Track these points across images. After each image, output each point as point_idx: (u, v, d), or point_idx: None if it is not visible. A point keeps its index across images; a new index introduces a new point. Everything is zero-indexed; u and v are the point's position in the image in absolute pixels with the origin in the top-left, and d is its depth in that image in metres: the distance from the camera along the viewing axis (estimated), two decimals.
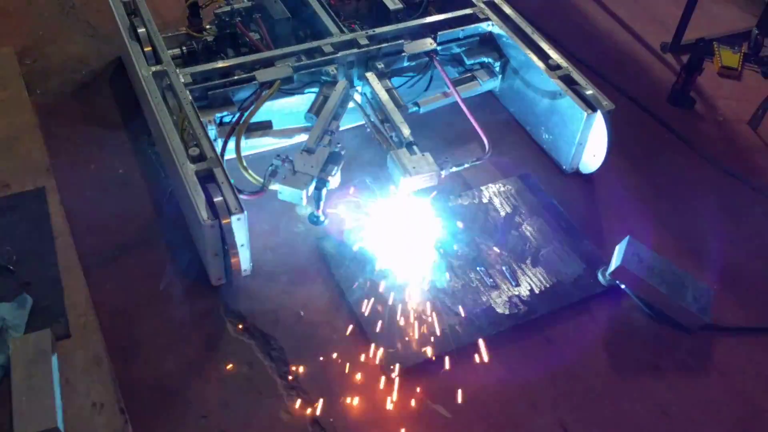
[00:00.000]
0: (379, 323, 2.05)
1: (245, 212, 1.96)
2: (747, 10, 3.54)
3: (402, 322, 2.06)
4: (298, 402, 1.91)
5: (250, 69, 2.41)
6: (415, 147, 2.24)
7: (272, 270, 2.19)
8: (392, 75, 2.55)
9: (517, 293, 2.18)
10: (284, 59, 2.46)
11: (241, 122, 2.29)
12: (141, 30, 2.48)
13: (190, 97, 2.26)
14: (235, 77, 2.38)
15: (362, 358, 2.01)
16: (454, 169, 2.33)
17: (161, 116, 2.21)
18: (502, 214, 2.41)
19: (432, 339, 2.03)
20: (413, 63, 2.59)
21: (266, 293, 2.13)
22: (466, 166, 2.39)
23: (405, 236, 2.24)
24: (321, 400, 1.91)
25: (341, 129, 2.40)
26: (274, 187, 2.14)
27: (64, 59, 2.87)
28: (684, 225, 2.48)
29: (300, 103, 2.46)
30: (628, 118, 2.84)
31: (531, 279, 2.22)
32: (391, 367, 1.97)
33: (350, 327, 2.07)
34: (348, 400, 1.92)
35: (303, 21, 2.73)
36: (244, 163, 2.19)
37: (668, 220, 2.49)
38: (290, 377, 1.95)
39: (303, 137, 2.34)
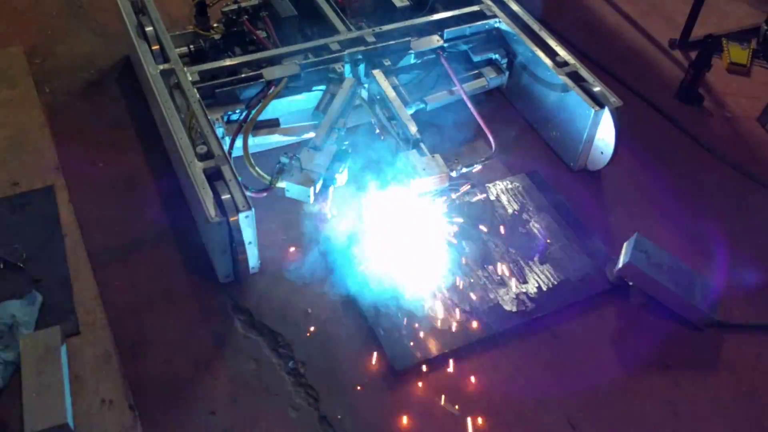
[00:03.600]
0: (387, 320, 2.05)
1: (253, 210, 1.97)
2: (756, 6, 3.51)
3: (409, 319, 2.06)
4: (306, 399, 1.91)
5: (258, 67, 2.41)
6: (424, 147, 2.24)
7: (280, 267, 2.20)
8: (399, 72, 2.55)
9: (524, 290, 2.17)
10: (291, 57, 2.46)
11: (248, 120, 2.29)
12: (149, 29, 2.49)
13: (198, 96, 2.26)
14: (243, 75, 2.38)
15: (370, 354, 2.01)
16: (464, 170, 2.33)
17: (169, 114, 2.22)
18: (510, 211, 2.41)
19: (440, 336, 2.03)
20: (420, 60, 2.59)
21: (274, 290, 2.14)
22: (476, 166, 2.39)
23: (412, 234, 2.24)
24: (328, 397, 1.91)
25: (348, 126, 2.40)
26: (282, 184, 2.14)
27: (73, 58, 2.89)
28: (692, 222, 2.47)
29: (307, 100, 2.47)
30: (636, 115, 2.83)
31: (538, 276, 2.22)
32: (399, 363, 1.97)
33: (357, 324, 2.07)
34: (356, 396, 1.92)
35: (310, 19, 2.74)
36: (252, 161, 2.20)
37: (676, 217, 2.48)
38: (298, 374, 1.96)
39: (310, 135, 2.34)
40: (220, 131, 2.27)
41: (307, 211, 2.31)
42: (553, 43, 2.62)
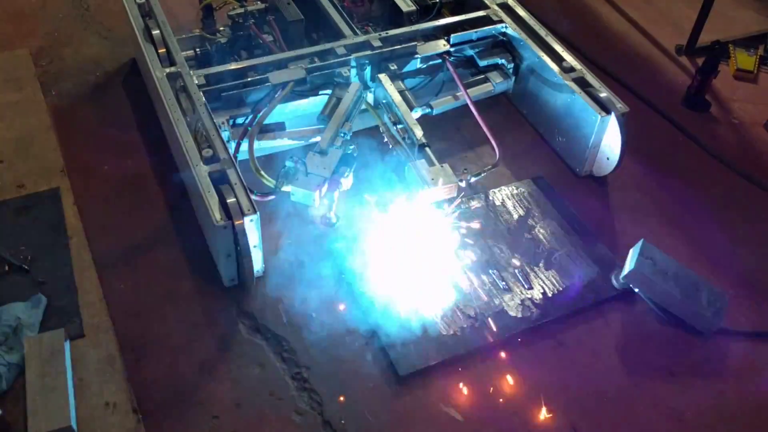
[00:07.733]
0: (391, 324, 2.05)
1: (258, 213, 1.96)
2: (763, 13, 3.51)
3: (414, 324, 2.05)
4: (310, 403, 1.91)
5: (264, 71, 2.41)
6: (432, 156, 2.23)
7: (284, 271, 2.19)
8: (405, 77, 2.55)
9: (529, 296, 2.17)
10: (297, 61, 2.46)
11: (254, 124, 2.30)
12: (155, 32, 2.50)
13: (204, 99, 2.27)
14: (249, 79, 2.39)
15: (374, 359, 2.00)
16: (473, 179, 2.32)
17: (175, 117, 2.22)
18: (515, 216, 2.40)
19: (444, 341, 2.03)
20: (426, 65, 2.59)
21: (278, 294, 2.14)
22: (484, 174, 2.38)
23: (418, 239, 2.24)
24: (332, 402, 1.91)
25: (354, 131, 2.40)
26: (287, 188, 2.14)
27: (79, 61, 2.89)
28: (698, 228, 2.46)
29: (313, 104, 2.46)
30: (643, 121, 2.82)
31: (544, 282, 2.21)
32: (403, 368, 1.96)
33: (362, 328, 2.06)
34: (359, 401, 1.92)
35: (316, 23, 2.74)
36: (257, 165, 2.20)
37: (682, 224, 2.47)
38: (302, 378, 1.95)
39: (316, 139, 2.34)
40: (225, 135, 2.27)
41: (312, 215, 2.31)
42: (559, 49, 2.62)
